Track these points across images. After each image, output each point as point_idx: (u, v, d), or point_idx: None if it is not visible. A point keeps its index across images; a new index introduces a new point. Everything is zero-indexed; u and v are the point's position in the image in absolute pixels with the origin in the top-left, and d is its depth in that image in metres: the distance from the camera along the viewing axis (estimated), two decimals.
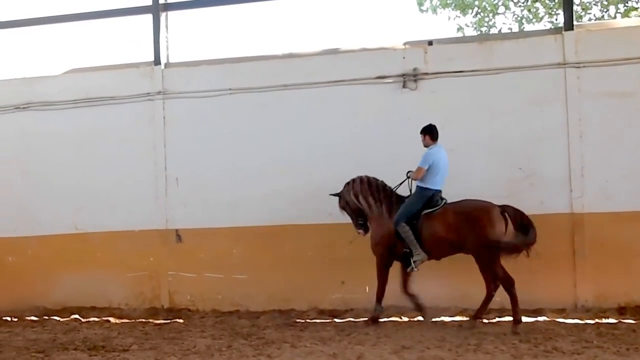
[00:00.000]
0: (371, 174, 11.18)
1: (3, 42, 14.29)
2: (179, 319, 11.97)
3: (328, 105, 12.14)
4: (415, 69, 11.88)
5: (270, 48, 12.65)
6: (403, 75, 11.92)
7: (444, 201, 10.58)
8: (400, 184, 10.91)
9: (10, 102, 13.50)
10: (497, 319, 10.84)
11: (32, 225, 13.21)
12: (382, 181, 11.00)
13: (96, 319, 12.28)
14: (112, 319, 12.28)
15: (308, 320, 11.39)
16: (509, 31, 20.56)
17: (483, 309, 10.34)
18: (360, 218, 11.00)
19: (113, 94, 13.02)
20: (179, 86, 12.81)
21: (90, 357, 9.14)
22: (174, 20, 13.26)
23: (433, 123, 10.75)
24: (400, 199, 10.84)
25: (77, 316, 12.54)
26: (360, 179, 11.03)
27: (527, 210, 10.31)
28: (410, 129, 11.63)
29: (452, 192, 10.66)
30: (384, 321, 11.00)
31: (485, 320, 10.64)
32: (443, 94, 11.80)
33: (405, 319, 11.22)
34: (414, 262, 10.42)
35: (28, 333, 11.28)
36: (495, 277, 10.07)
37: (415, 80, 11.89)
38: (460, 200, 10.48)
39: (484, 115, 11.67)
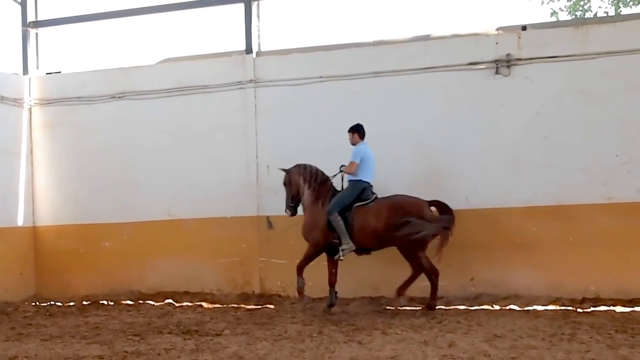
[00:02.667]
0: (464, 162, 11.24)
1: (100, 33, 14.63)
2: (269, 304, 12.09)
3: (419, 93, 12.06)
4: (508, 55, 11.68)
5: (361, 35, 12.60)
6: (496, 61, 11.73)
7: (375, 195, 11.09)
8: (334, 175, 11.37)
9: (107, 92, 13.83)
10: (592, 309, 10.63)
11: (127, 211, 13.52)
12: (322, 172, 11.47)
13: (189, 304, 12.51)
14: (204, 304, 12.49)
15: (398, 308, 11.34)
16: (605, 15, 20.04)
17: (432, 297, 10.88)
18: (293, 200, 11.52)
19: (205, 82, 13.20)
20: (270, 74, 12.90)
21: (184, 340, 9.27)
22: (265, 8, 13.35)
23: (360, 122, 11.27)
24: (336, 192, 11.34)
25: (170, 301, 12.80)
26: (309, 166, 11.49)
27: (623, 199, 10.06)
28: (503, 116, 11.58)
29: (547, 178, 10.50)
30: (476, 309, 10.92)
31: (579, 310, 10.44)
32: (537, 80, 11.57)
33: (497, 307, 11.09)
34: (342, 250, 10.91)
35: (124, 317, 11.56)
36: (422, 267, 10.75)
37: (508, 66, 11.69)
38: (391, 195, 11.02)
39: (579, 101, 11.40)
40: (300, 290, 11.28)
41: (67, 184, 14.05)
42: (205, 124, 13.11)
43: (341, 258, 11.06)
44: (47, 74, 14.52)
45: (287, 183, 11.60)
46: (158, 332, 9.96)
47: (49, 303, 13.31)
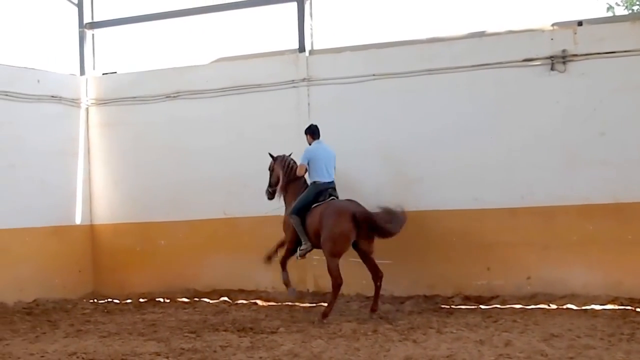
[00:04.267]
0: (519, 160, 11.24)
1: (155, 33, 14.79)
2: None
3: (473, 90, 11.97)
4: (564, 51, 11.51)
5: (415, 32, 12.52)
6: (551, 57, 11.57)
7: (332, 197, 11.28)
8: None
9: (161, 92, 13.99)
10: None
11: (183, 210, 13.66)
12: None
13: (244, 302, 12.60)
14: (259, 302, 12.58)
15: (453, 306, 11.30)
16: None
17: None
18: (272, 187, 11.94)
19: (259, 81, 13.27)
20: (323, 73, 12.91)
21: (240, 338, 9.35)
22: (317, 7, 13.35)
23: (314, 123, 11.66)
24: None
25: (226, 298, 12.90)
26: (291, 161, 11.82)
27: None
28: (559, 113, 11.44)
29: (604, 176, 10.39)
30: (533, 308, 10.82)
31: (638, 309, 10.29)
32: (593, 76, 11.39)
33: (553, 306, 10.96)
34: (300, 249, 11.28)
35: (180, 314, 11.70)
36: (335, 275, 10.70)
37: (564, 62, 11.53)
38: (339, 199, 11.28)
39: (636, 97, 11.17)
40: (287, 283, 11.58)
41: (124, 183, 14.26)
42: (259, 123, 13.18)
43: (298, 257, 11.44)
44: (103, 74, 14.75)
45: (271, 170, 12.02)
46: (214, 329, 10.06)
47: (106, 300, 13.54)
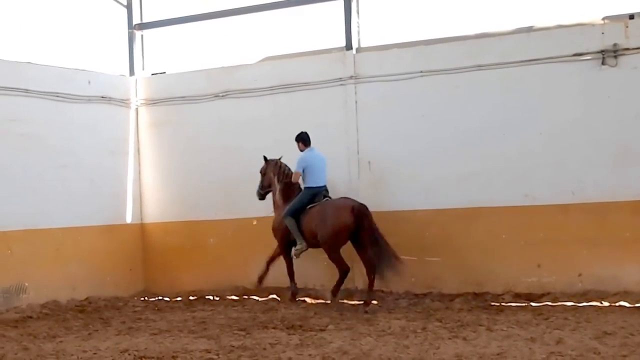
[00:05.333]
0: (569, 156, 11.20)
1: (202, 33, 14.88)
2: (373, 300, 12.06)
3: (523, 86, 11.84)
4: (615, 45, 11.34)
5: (462, 28, 12.40)
6: (602, 51, 11.40)
7: (325, 199, 11.94)
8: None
9: (210, 91, 14.09)
10: None
11: (231, 208, 13.73)
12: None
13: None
14: (308, 299, 12.57)
15: (503, 304, 11.19)
16: None
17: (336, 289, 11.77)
18: (264, 189, 12.65)
19: (306, 79, 13.30)
20: (370, 70, 12.88)
21: (289, 335, 9.35)
22: (364, 4, 13.31)
23: (304, 131, 12.21)
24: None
25: (274, 296, 12.92)
26: (284, 166, 12.42)
27: None
28: (610, 108, 11.30)
29: None
30: (584, 306, 10.69)
31: None
32: None
33: (606, 303, 10.80)
34: (295, 249, 11.99)
35: (229, 311, 11.74)
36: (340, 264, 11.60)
37: (615, 57, 11.35)
38: (336, 199, 11.92)
39: None
40: (261, 279, 12.53)
41: (173, 182, 14.40)
42: (307, 121, 13.14)
43: (295, 257, 12.14)
44: (152, 74, 14.92)
45: (263, 173, 12.64)
46: (263, 327, 10.08)
47: (157, 298, 13.65)
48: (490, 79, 12.03)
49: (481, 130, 11.97)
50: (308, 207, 11.89)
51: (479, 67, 12.07)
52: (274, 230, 12.37)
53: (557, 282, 11.33)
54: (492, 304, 11.24)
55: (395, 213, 12.35)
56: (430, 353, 8.06)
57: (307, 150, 12.17)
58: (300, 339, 9.05)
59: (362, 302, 11.52)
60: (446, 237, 12.12)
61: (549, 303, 11.01)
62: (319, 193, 11.99)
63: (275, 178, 12.41)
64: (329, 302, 11.85)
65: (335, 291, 11.70)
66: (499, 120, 11.93)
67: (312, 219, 11.71)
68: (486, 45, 12.16)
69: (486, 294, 11.71)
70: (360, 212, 11.33)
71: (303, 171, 12.03)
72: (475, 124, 12.01)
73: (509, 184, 11.72)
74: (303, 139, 12.20)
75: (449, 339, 8.76)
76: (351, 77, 12.96)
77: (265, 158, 12.55)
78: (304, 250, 11.99)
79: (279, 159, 12.49)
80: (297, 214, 11.89)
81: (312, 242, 11.84)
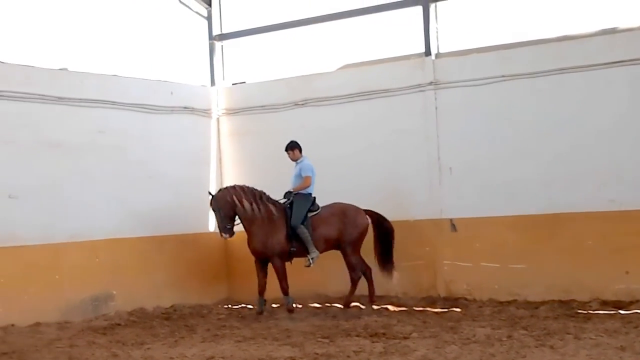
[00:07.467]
0: None
1: (281, 43, 15.01)
2: (456, 307, 11.98)
3: (608, 88, 11.62)
4: None
5: (544, 31, 12.24)
6: None
7: (317, 205, 12.24)
8: (286, 202, 12.26)
9: (290, 100, 14.20)
10: None
11: None
12: (260, 190, 12.33)
13: (375, 307, 12.56)
14: (390, 307, 12.53)
15: (590, 312, 10.98)
16: None
17: (350, 296, 12.27)
18: (231, 222, 12.22)
19: (386, 86, 13.28)
20: (450, 76, 12.81)
21: (372, 343, 9.34)
22: (443, 10, 13.25)
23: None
24: (278, 204, 12.29)
25: (357, 304, 12.90)
26: (244, 187, 12.32)
27: None
28: None
29: None
30: None
31: None
32: None
33: None
34: (311, 259, 11.96)
35: (312, 319, 11.79)
36: (359, 266, 12.17)
37: None
38: (333, 204, 12.31)
39: None
40: (291, 309, 12.25)
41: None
42: (387, 128, 13.19)
43: (311, 265, 12.04)
44: (232, 84, 15.11)
45: (217, 208, 12.24)
46: (346, 334, 10.09)
47: (240, 306, 13.78)
48: (574, 82, 11.83)
49: (565, 134, 11.77)
50: (310, 215, 12.12)
51: (562, 70, 11.88)
52: (268, 246, 12.14)
53: None
54: (579, 311, 11.03)
55: (477, 219, 12.25)
56: None
57: (304, 158, 12.38)
58: (384, 347, 9.03)
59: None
60: (530, 244, 11.95)
61: (639, 311, 10.74)
62: (314, 200, 12.26)
63: (245, 201, 12.13)
64: (412, 309, 11.80)
65: (348, 301, 12.36)
66: (584, 123, 11.72)
67: (327, 224, 12.11)
68: (569, 47, 11.97)
69: (572, 301, 11.50)
70: (375, 214, 12.25)
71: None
72: (559, 128, 11.82)
73: (595, 189, 11.49)
74: (299, 146, 12.39)
75: (536, 347, 8.63)
76: (430, 83, 12.90)
77: (210, 194, 12.48)
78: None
79: (233, 186, 12.47)
80: (303, 222, 12.03)
81: (324, 247, 12.13)
